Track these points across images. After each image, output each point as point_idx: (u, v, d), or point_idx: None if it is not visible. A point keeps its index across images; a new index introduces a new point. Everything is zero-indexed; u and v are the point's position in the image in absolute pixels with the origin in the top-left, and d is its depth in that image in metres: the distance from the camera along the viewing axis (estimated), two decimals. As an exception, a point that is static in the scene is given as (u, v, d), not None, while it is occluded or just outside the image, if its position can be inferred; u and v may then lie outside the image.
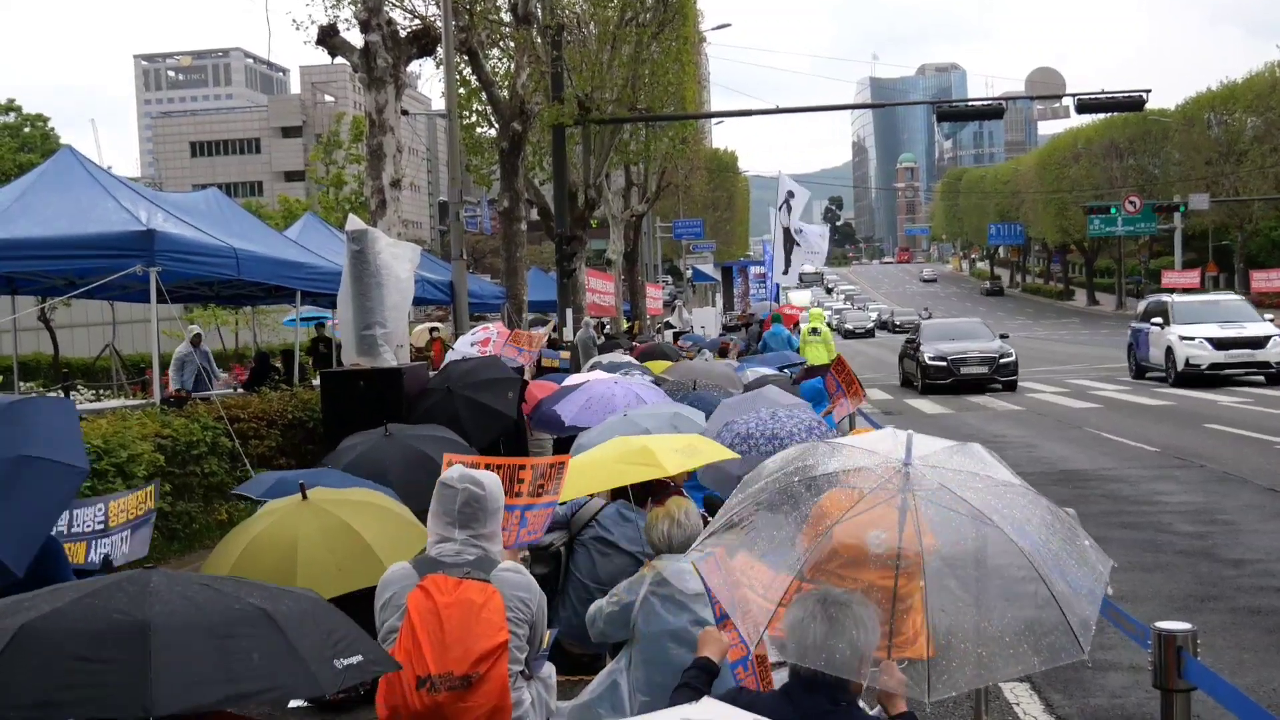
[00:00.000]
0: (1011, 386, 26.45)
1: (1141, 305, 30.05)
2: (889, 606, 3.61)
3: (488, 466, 5.26)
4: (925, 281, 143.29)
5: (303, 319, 20.97)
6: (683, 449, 7.10)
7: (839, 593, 3.50)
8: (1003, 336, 28.35)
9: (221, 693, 2.94)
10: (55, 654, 2.87)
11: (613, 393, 10.82)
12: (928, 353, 27.21)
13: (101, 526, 5.94)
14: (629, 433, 8.20)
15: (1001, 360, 26.54)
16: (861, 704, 3.69)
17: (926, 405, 23.78)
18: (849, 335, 69.50)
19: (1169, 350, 25.30)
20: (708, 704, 2.76)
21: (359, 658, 3.26)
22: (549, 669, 5.09)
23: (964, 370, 26.46)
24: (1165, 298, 28.78)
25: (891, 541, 3.58)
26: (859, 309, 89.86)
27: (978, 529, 3.53)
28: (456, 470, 4.77)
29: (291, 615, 3.22)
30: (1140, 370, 27.70)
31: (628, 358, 17.08)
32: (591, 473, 6.87)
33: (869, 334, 72.05)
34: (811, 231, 36.04)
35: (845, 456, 3.80)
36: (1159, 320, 26.17)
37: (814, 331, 24.75)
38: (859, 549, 3.67)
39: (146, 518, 6.08)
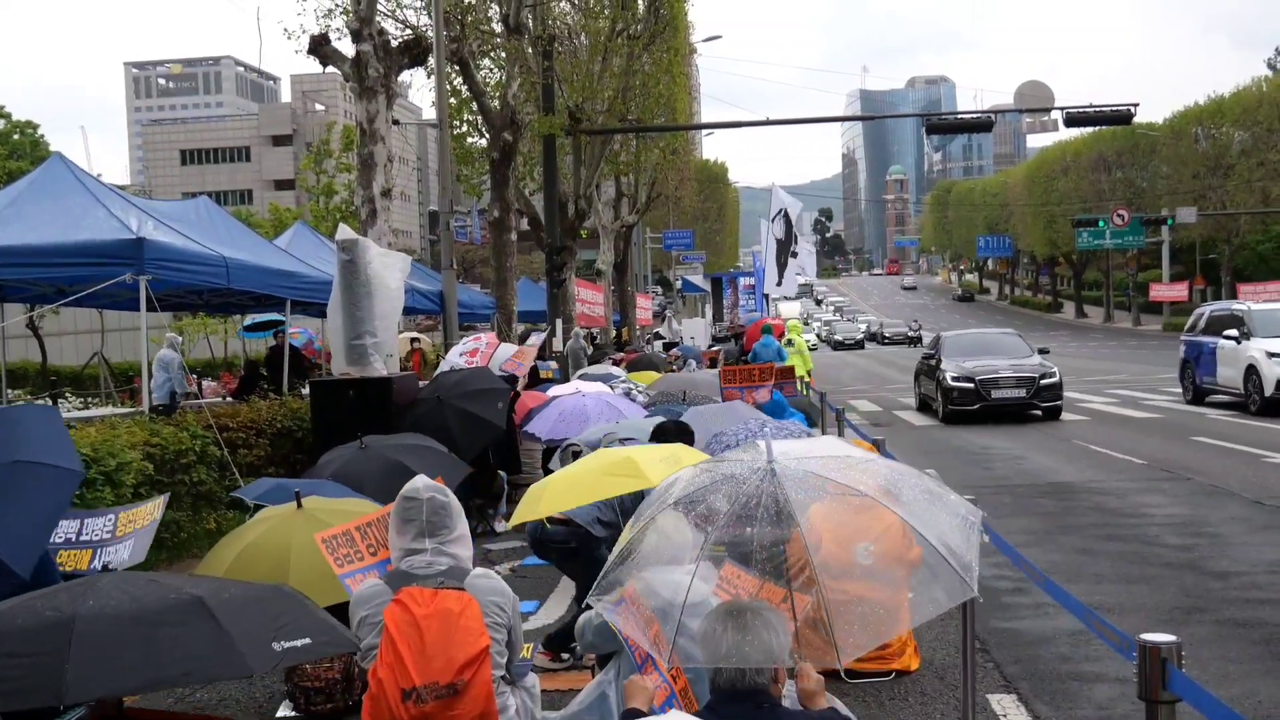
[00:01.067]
0: (1054, 413, 21.70)
1: (1200, 315, 24.42)
2: (786, 591, 3.83)
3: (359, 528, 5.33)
4: (905, 289, 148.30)
5: (245, 328, 20.87)
6: (666, 458, 7.10)
7: (745, 602, 3.67)
8: (1042, 351, 23.31)
9: (140, 678, 3.04)
10: None
11: (583, 405, 10.91)
12: (950, 371, 22.25)
13: (109, 535, 5.99)
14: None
15: (1043, 381, 21.56)
16: (788, 700, 3.83)
17: (915, 417, 23.81)
18: (839, 347, 69.89)
19: (1250, 369, 20.74)
20: (674, 715, 2.85)
21: (305, 640, 3.30)
22: (533, 679, 5.11)
23: (995, 394, 21.56)
24: (1238, 305, 23.61)
25: (776, 531, 3.74)
26: (848, 320, 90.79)
27: (850, 501, 3.79)
28: (420, 480, 4.83)
29: (232, 601, 3.28)
30: (1201, 393, 23.17)
31: (614, 369, 17.12)
32: (575, 486, 6.87)
33: (858, 345, 72.07)
34: (804, 245, 36.13)
35: (717, 469, 4.05)
36: (1233, 333, 21.57)
37: (789, 343, 25.15)
38: (743, 545, 3.84)
39: (150, 527, 6.14)
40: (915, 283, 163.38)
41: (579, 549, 7.20)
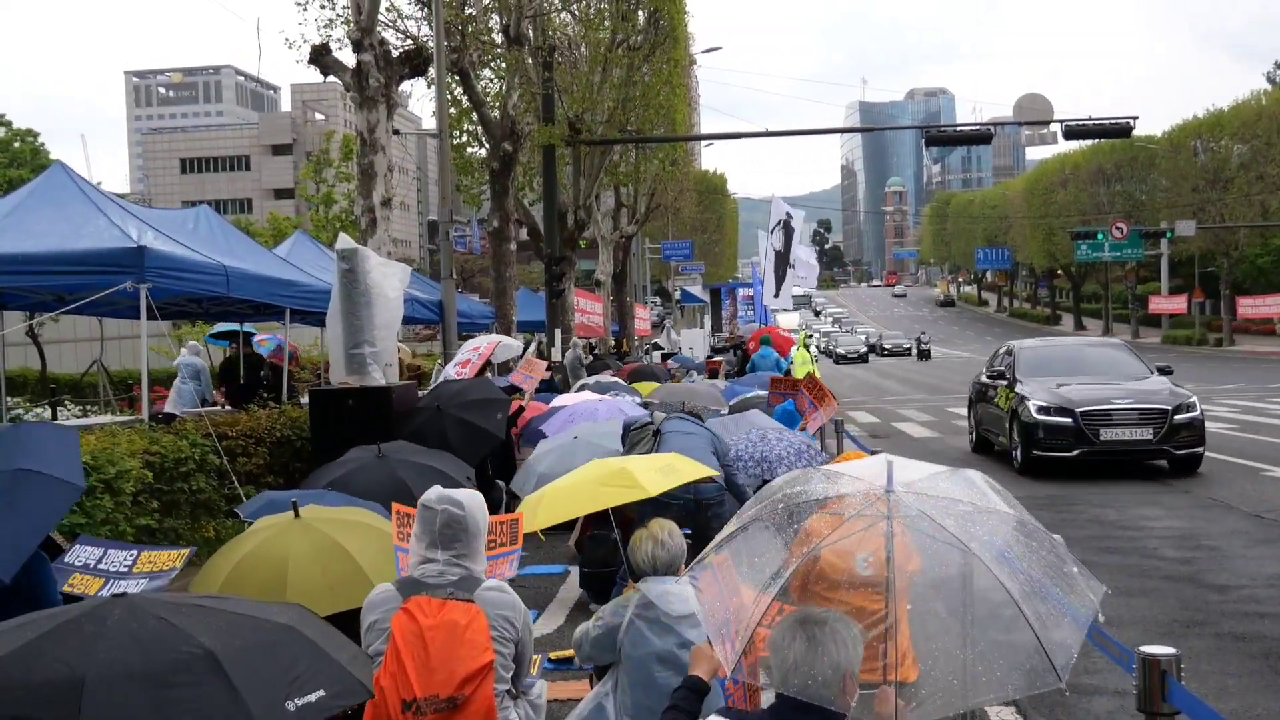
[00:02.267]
0: (1192, 465, 15.38)
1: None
2: (874, 630, 3.61)
3: None
4: (896, 296, 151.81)
5: (212, 336, 20.70)
6: (662, 468, 7.09)
7: (818, 611, 3.52)
8: (1163, 371, 16.86)
9: None
10: None
11: (595, 410, 10.95)
12: (1035, 400, 15.72)
13: (126, 569, 5.99)
14: (588, 455, 8.28)
15: (1177, 418, 15.08)
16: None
17: (913, 428, 23.81)
18: (841, 360, 66.56)
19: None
20: None
21: (319, 694, 3.20)
22: (539, 688, 5.09)
23: (1106, 434, 15.20)
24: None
25: (875, 565, 3.59)
26: (847, 332, 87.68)
27: (957, 555, 3.53)
28: (435, 491, 4.78)
29: (245, 652, 3.16)
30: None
31: (617, 379, 17.15)
32: (572, 497, 6.84)
33: (862, 359, 67.65)
34: (803, 254, 36.17)
35: (830, 483, 3.82)
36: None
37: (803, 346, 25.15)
38: (842, 571, 3.69)
39: (168, 574, 6.13)
40: (904, 290, 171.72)
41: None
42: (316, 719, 3.20)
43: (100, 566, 5.94)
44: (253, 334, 17.49)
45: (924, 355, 65.72)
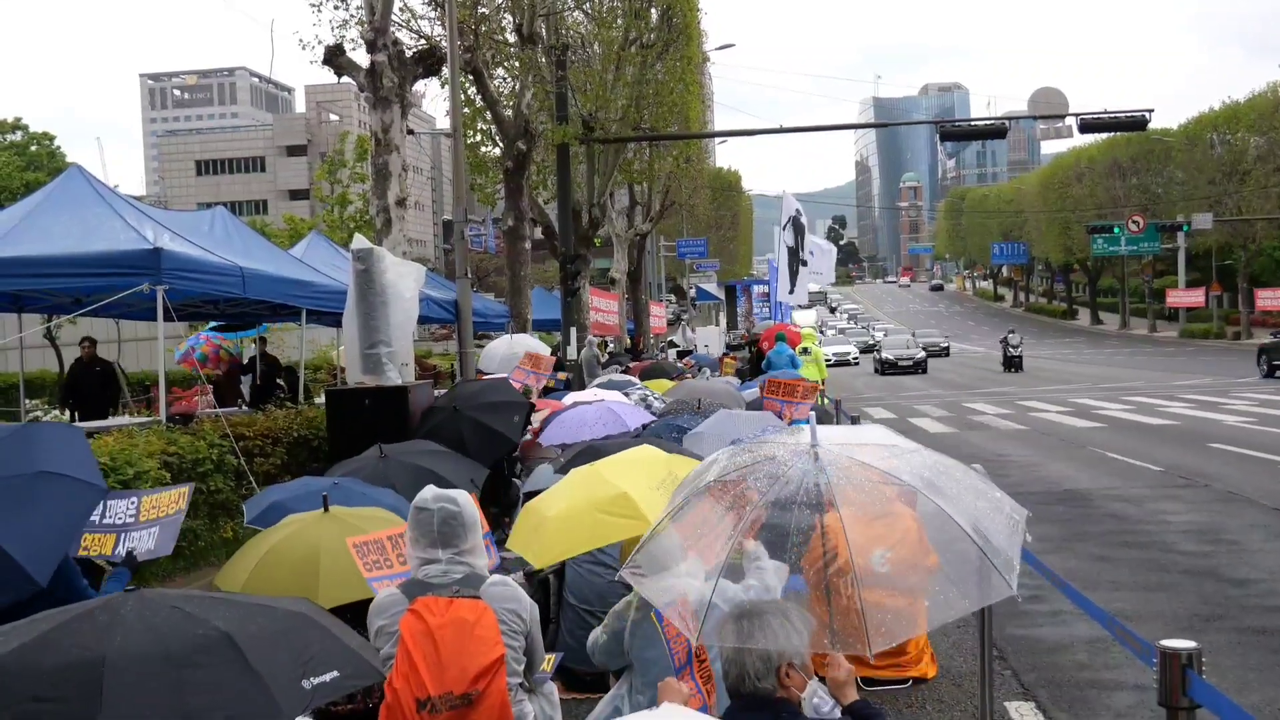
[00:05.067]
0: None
1: None
2: (820, 579, 3.78)
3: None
4: (901, 287, 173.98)
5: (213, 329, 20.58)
6: (663, 480, 6.58)
7: (758, 603, 3.61)
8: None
9: None
10: (12, 695, 2.89)
11: (583, 413, 10.92)
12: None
13: (132, 519, 6.00)
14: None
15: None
16: (818, 698, 3.78)
17: (929, 424, 23.76)
18: (889, 369, 49.30)
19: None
20: (667, 709, 2.81)
21: (333, 674, 3.23)
22: (551, 687, 5.10)
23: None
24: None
25: (812, 515, 3.69)
26: (897, 334, 65.75)
27: (893, 491, 3.72)
28: (429, 491, 4.81)
29: (260, 635, 3.19)
30: None
31: (632, 378, 17.12)
32: (574, 529, 6.36)
33: (917, 368, 48.71)
34: (819, 249, 36.00)
35: (758, 450, 4.00)
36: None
37: (804, 351, 25.00)
38: (779, 529, 3.79)
39: (175, 517, 6.14)
40: (908, 282, 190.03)
41: None
42: (331, 697, 3.25)
43: (107, 521, 5.95)
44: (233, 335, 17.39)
45: (1011, 365, 45.83)
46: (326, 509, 5.82)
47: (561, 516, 6.37)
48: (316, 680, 3.17)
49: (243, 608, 3.38)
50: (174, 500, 6.21)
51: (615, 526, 6.43)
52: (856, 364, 59.28)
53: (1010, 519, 3.79)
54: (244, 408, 16.05)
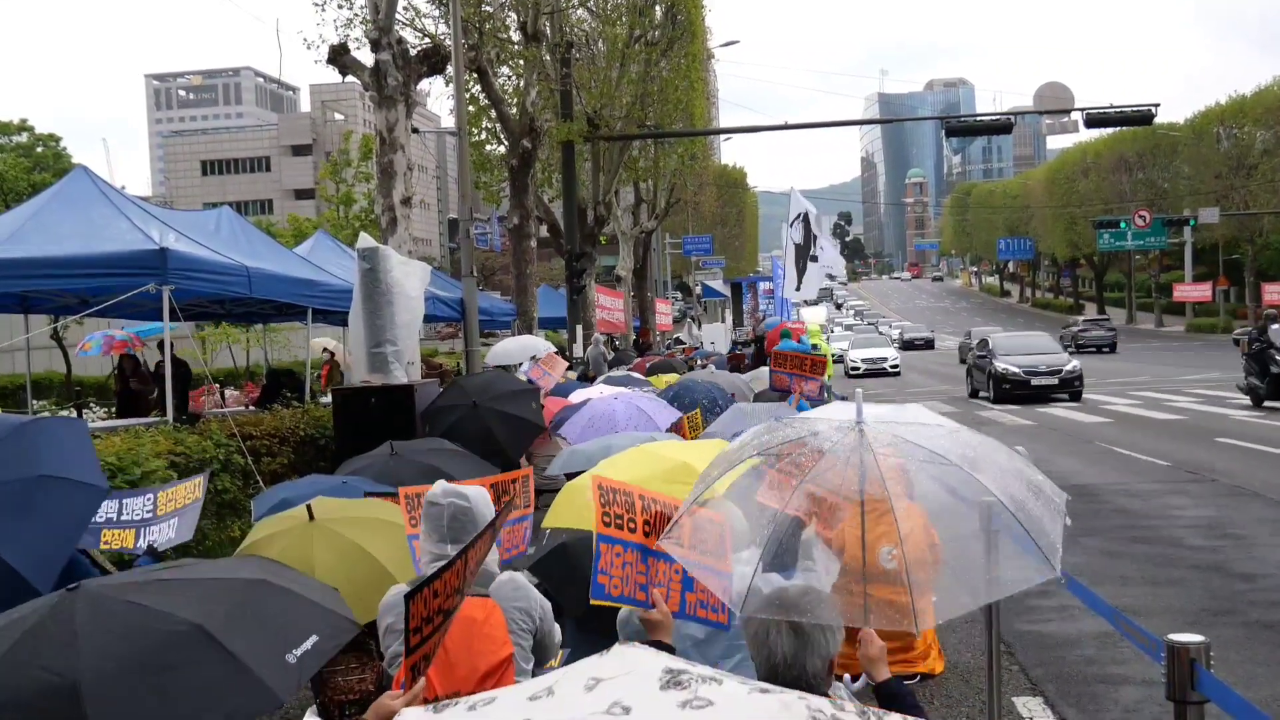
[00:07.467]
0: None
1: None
2: (859, 553, 3.78)
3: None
4: (904, 281, 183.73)
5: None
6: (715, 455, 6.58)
7: (796, 596, 3.47)
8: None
9: None
10: None
11: (613, 409, 10.81)
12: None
13: (150, 514, 6.02)
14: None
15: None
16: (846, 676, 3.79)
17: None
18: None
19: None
20: (618, 650, 2.75)
21: (313, 639, 3.09)
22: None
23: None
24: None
25: (854, 492, 3.68)
26: (916, 330, 70.96)
27: (939, 470, 3.69)
28: (440, 486, 4.76)
29: (230, 618, 3.01)
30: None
31: (635, 374, 17.09)
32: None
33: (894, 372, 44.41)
34: (828, 246, 35.96)
35: (802, 424, 3.97)
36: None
37: (813, 347, 24.98)
38: (828, 501, 3.77)
39: (194, 505, 6.15)
40: (910, 276, 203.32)
41: None
42: (317, 665, 3.12)
43: (124, 518, 5.96)
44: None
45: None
46: (311, 517, 5.51)
47: (621, 475, 6.17)
48: (300, 650, 3.04)
49: (201, 586, 3.19)
50: (190, 491, 6.24)
51: (684, 494, 6.28)
52: (897, 373, 44.14)
53: (1051, 501, 3.80)
54: (251, 407, 16.04)
